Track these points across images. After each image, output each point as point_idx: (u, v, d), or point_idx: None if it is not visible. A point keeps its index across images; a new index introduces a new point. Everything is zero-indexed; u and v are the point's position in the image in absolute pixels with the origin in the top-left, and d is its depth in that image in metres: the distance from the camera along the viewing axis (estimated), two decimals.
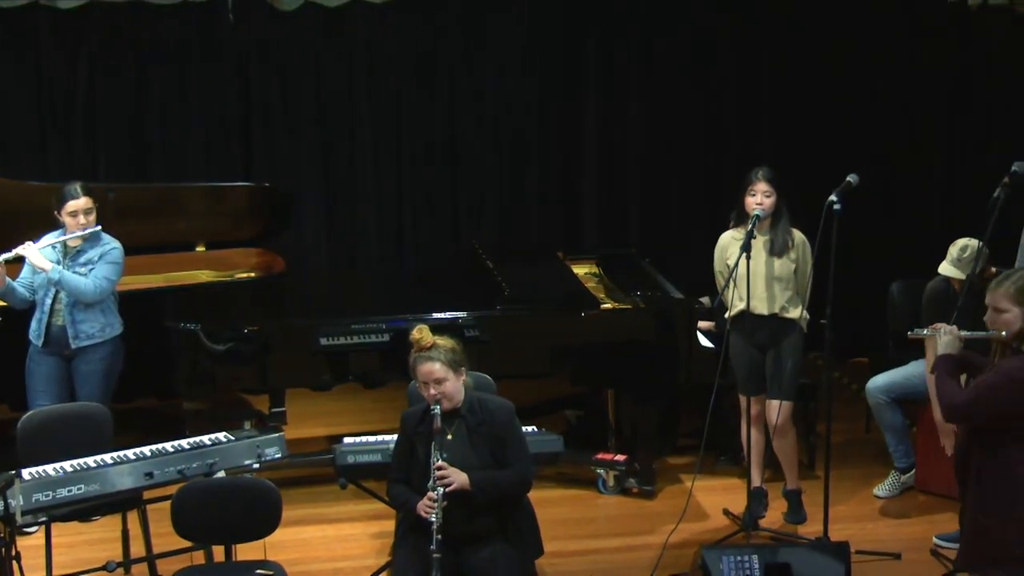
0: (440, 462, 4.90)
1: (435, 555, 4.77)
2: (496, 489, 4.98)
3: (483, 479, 4.95)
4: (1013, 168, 5.89)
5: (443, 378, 4.96)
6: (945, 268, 6.34)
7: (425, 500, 4.88)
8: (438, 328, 6.54)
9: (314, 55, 8.64)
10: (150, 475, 5.32)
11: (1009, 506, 4.59)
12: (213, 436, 5.60)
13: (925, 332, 4.93)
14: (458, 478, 4.90)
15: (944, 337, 4.74)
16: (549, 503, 6.57)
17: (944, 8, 8.25)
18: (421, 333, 5.01)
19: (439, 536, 4.79)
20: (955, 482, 4.90)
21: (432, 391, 4.96)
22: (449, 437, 5.00)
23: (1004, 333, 4.59)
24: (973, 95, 8.41)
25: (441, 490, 4.86)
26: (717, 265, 6.47)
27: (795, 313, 6.28)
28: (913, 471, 6.85)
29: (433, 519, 4.81)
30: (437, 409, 4.95)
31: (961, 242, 6.33)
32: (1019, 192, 6.05)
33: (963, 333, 4.78)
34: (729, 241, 6.37)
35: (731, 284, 6.19)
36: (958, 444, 4.83)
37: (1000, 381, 4.53)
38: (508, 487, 5.03)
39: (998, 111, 8.48)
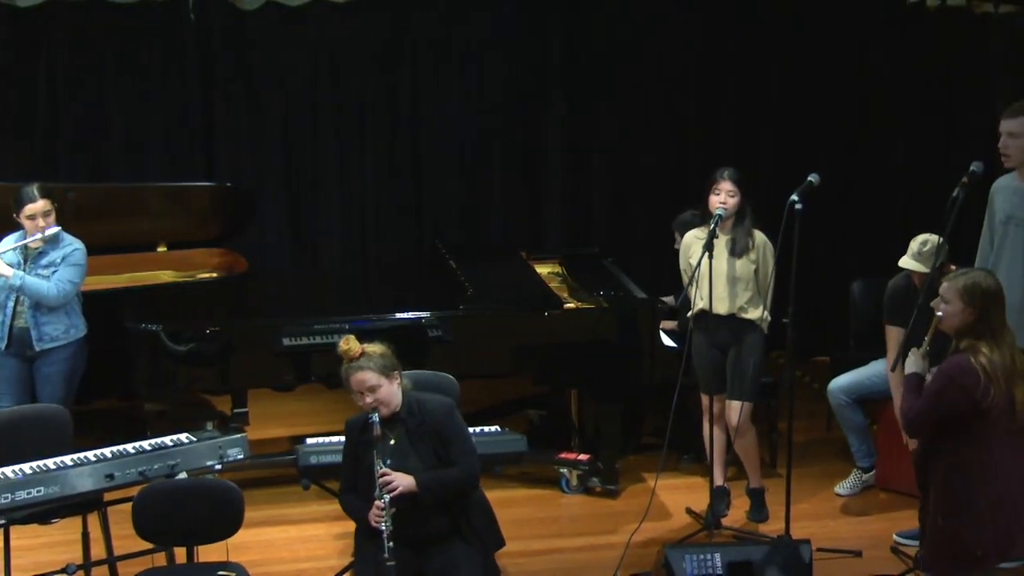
0: (383, 469, 4.88)
1: (388, 563, 4.76)
2: (443, 488, 4.97)
3: (429, 479, 4.94)
4: (972, 168, 5.94)
5: (376, 385, 4.93)
6: (905, 261, 6.41)
7: (374, 509, 4.87)
8: (401, 328, 6.59)
9: (276, 55, 8.61)
10: (111, 477, 5.29)
11: (967, 507, 4.64)
12: (175, 437, 5.57)
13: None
14: (403, 481, 4.89)
15: (910, 357, 4.80)
16: (512, 502, 6.57)
17: (904, 8, 8.32)
18: (348, 344, 4.97)
19: (391, 544, 4.78)
20: (916, 480, 4.95)
21: (368, 399, 4.93)
22: (392, 442, 4.98)
23: (939, 314, 4.67)
24: (933, 94, 8.48)
25: (387, 497, 4.84)
26: (682, 264, 6.50)
27: (755, 314, 6.30)
28: (875, 470, 6.90)
29: (383, 528, 4.81)
30: (375, 417, 4.91)
31: (921, 237, 6.40)
32: (978, 191, 6.11)
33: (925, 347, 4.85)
34: (692, 240, 6.40)
35: (694, 283, 6.22)
36: (918, 446, 4.87)
37: (942, 384, 4.62)
38: (455, 484, 5.01)
39: (958, 110, 8.55)
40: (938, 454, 4.68)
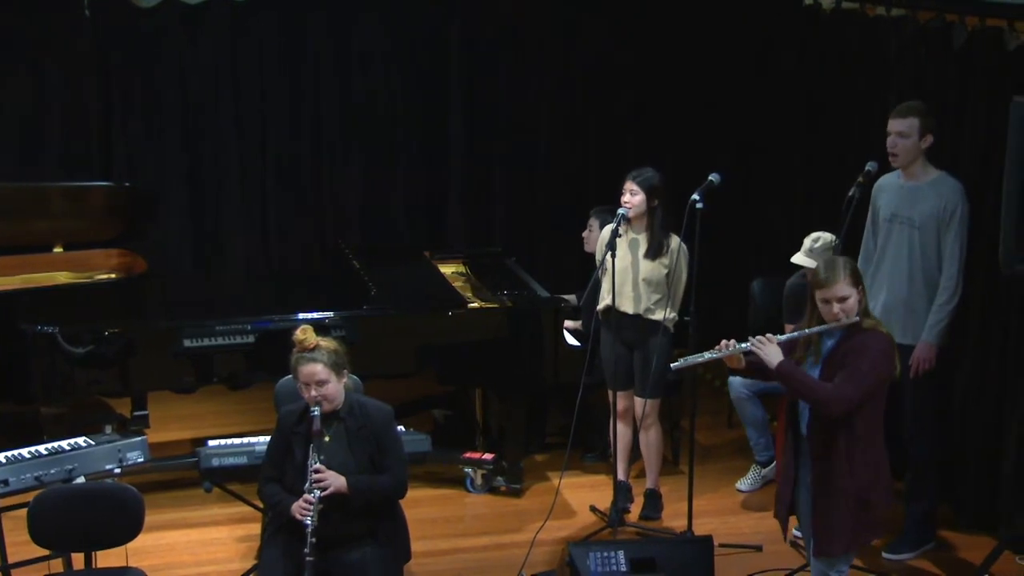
0: (318, 465, 4.88)
1: (308, 558, 4.76)
2: (373, 493, 5.00)
3: (360, 483, 4.96)
4: (867, 167, 6.10)
5: (325, 380, 4.95)
6: (797, 257, 6.52)
7: (301, 502, 4.86)
8: None
9: (176, 53, 8.48)
10: (5, 482, 5.21)
11: (875, 474, 4.75)
12: (72, 441, 5.49)
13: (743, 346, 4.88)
14: (335, 481, 4.90)
15: (768, 347, 4.77)
16: (417, 503, 6.55)
17: (800, 10, 8.44)
18: (305, 334, 5.00)
19: (314, 540, 4.78)
20: (783, 473, 5.07)
21: (313, 392, 4.95)
22: (326, 439, 4.98)
23: (856, 317, 4.73)
24: (829, 95, 8.61)
25: (318, 493, 4.84)
26: (599, 255, 6.54)
27: (661, 315, 6.34)
28: (774, 464, 7.00)
29: (308, 522, 4.80)
30: (317, 411, 4.93)
31: (815, 234, 6.52)
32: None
33: (793, 335, 4.91)
34: (608, 234, 6.43)
35: (602, 275, 6.26)
36: (815, 433, 4.89)
37: (875, 360, 4.68)
38: (384, 492, 5.05)
39: (853, 110, 8.69)
40: (852, 431, 4.72)
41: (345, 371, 5.05)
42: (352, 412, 5.06)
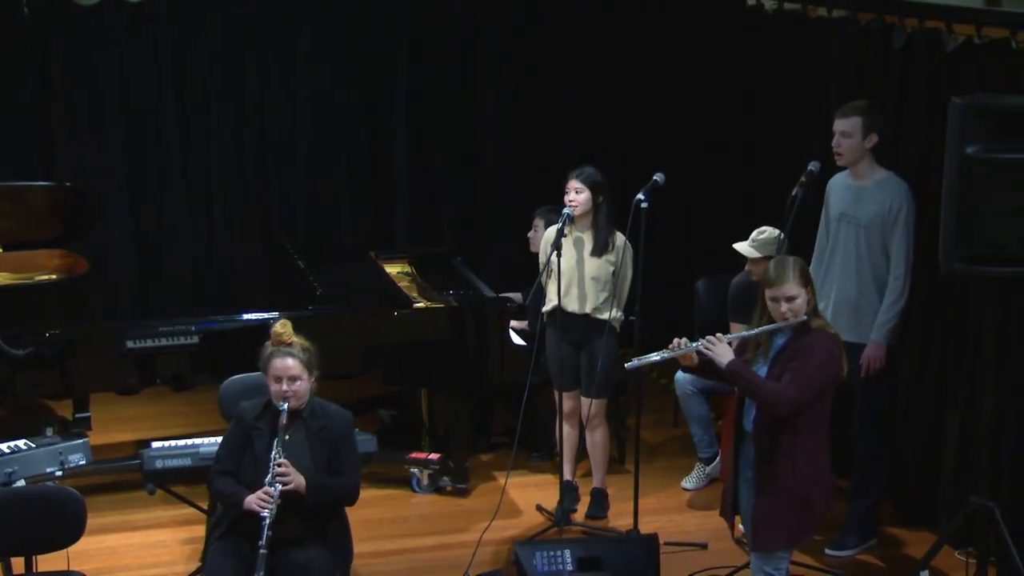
0: (282, 459, 4.90)
1: (262, 551, 4.76)
2: (329, 495, 5.04)
3: (318, 485, 4.99)
4: (810, 167, 6.16)
5: (298, 376, 4.99)
6: (739, 245, 6.57)
7: (260, 494, 4.87)
8: (250, 329, 6.52)
9: (117, 52, 8.40)
10: None
11: (817, 473, 4.80)
12: (12, 444, 5.42)
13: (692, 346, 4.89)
14: (296, 479, 4.91)
15: (719, 346, 4.79)
16: (363, 503, 6.48)
17: (744, 11, 8.50)
18: (284, 327, 5.05)
19: (270, 533, 4.78)
20: (727, 469, 5.11)
21: (284, 387, 4.97)
22: (287, 437, 4.99)
23: (804, 317, 4.77)
24: (771, 95, 8.69)
25: (279, 487, 4.85)
26: (542, 257, 6.54)
27: (607, 314, 6.36)
28: (717, 461, 7.04)
29: (266, 514, 4.81)
30: (285, 406, 4.96)
31: (761, 227, 6.57)
32: (818, 189, 6.30)
33: (743, 334, 4.95)
34: (553, 235, 6.43)
35: (547, 278, 6.27)
36: (761, 430, 4.93)
37: (822, 361, 4.73)
38: (339, 495, 5.09)
39: (797, 111, 8.78)
40: (796, 432, 4.76)
41: (316, 372, 5.08)
42: (314, 413, 5.10)
